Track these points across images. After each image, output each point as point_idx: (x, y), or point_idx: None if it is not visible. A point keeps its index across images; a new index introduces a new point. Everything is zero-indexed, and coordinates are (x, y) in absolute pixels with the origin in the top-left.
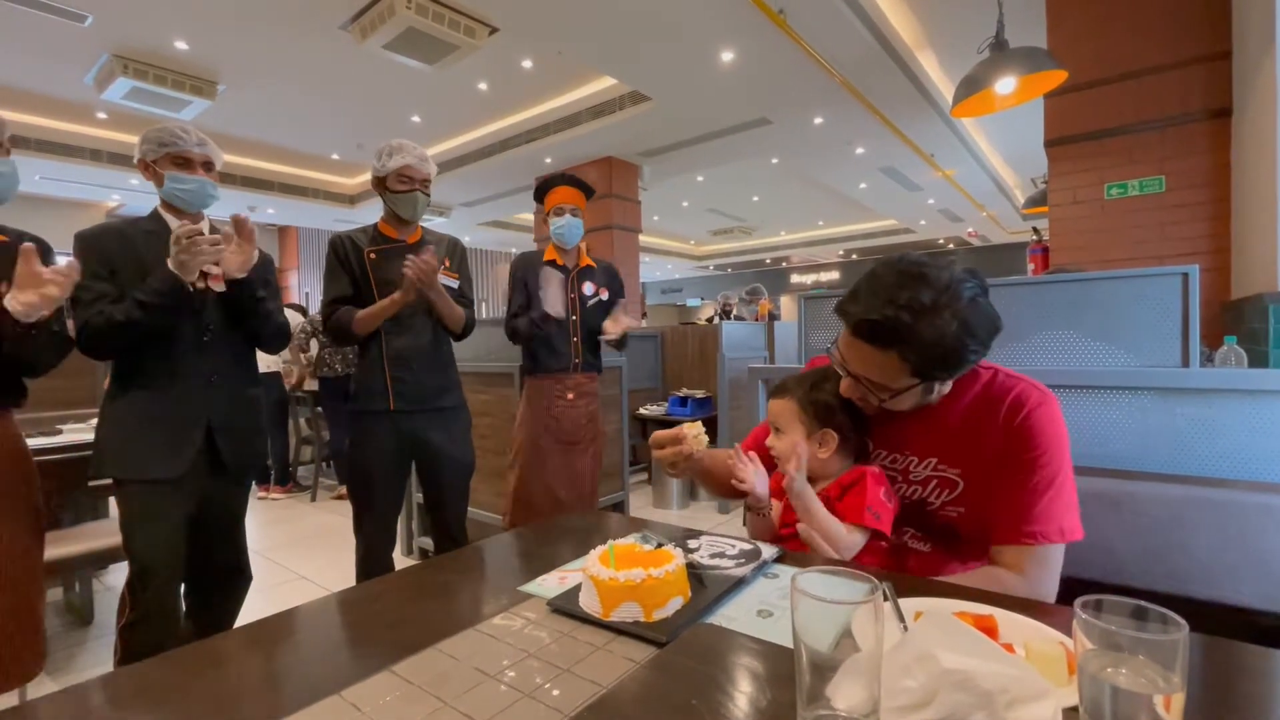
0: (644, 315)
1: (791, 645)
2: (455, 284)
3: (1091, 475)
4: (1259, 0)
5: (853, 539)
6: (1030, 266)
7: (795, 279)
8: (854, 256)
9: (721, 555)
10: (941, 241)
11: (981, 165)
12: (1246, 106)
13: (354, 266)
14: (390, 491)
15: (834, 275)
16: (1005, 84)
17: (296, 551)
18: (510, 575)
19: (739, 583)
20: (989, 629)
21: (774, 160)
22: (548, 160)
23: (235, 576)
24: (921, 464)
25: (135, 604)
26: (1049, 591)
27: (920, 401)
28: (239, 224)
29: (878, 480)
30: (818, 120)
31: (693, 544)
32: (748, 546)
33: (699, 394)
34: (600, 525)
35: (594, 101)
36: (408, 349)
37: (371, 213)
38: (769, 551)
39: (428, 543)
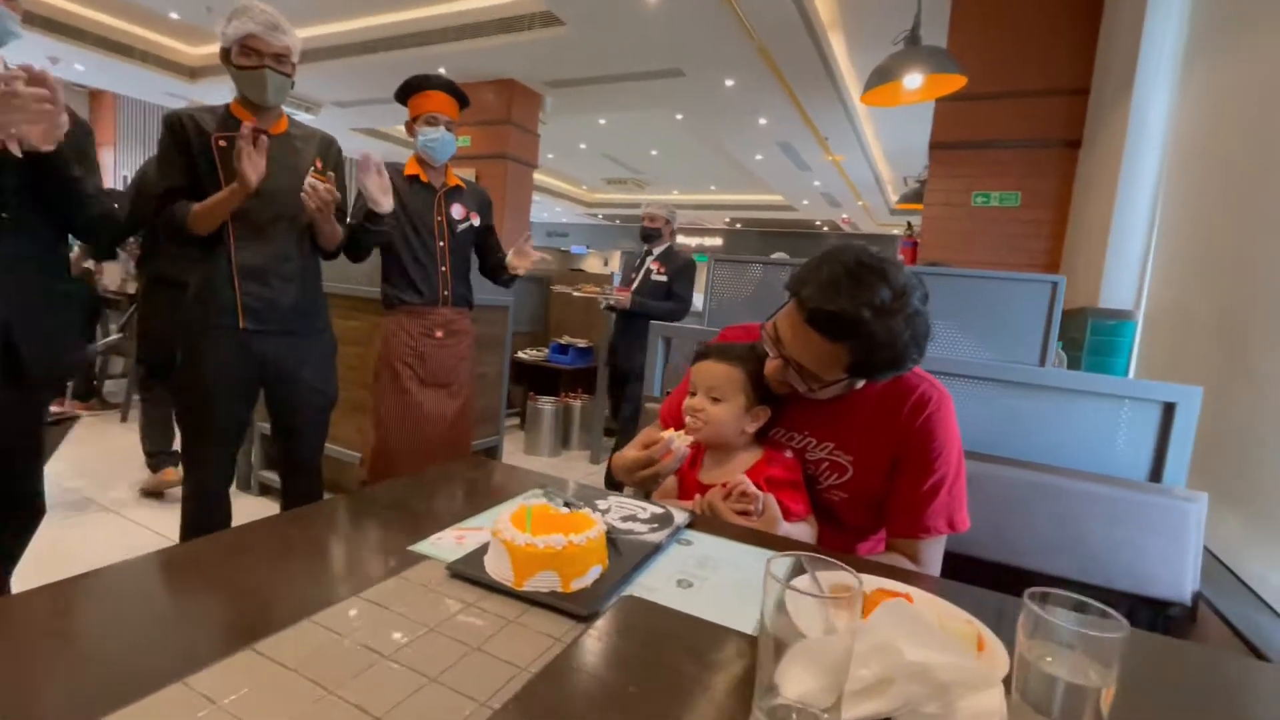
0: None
1: (712, 619)
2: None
3: None
4: (1120, 45)
5: (810, 532)
6: (900, 259)
7: (680, 240)
8: (738, 226)
9: (633, 519)
10: (818, 223)
11: (866, 156)
12: (1096, 141)
13: (196, 153)
14: (233, 419)
15: (717, 241)
16: (913, 79)
17: (100, 479)
18: (395, 532)
19: (655, 549)
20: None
21: (679, 116)
22: (441, 70)
23: (24, 509)
24: (819, 446)
25: None
26: (936, 572)
27: (839, 394)
28: (38, 79)
29: (796, 468)
30: (729, 82)
31: (601, 505)
32: (659, 510)
33: (581, 343)
34: (486, 476)
35: (502, 14)
36: (265, 261)
37: (216, 91)
38: (680, 516)
39: (271, 477)
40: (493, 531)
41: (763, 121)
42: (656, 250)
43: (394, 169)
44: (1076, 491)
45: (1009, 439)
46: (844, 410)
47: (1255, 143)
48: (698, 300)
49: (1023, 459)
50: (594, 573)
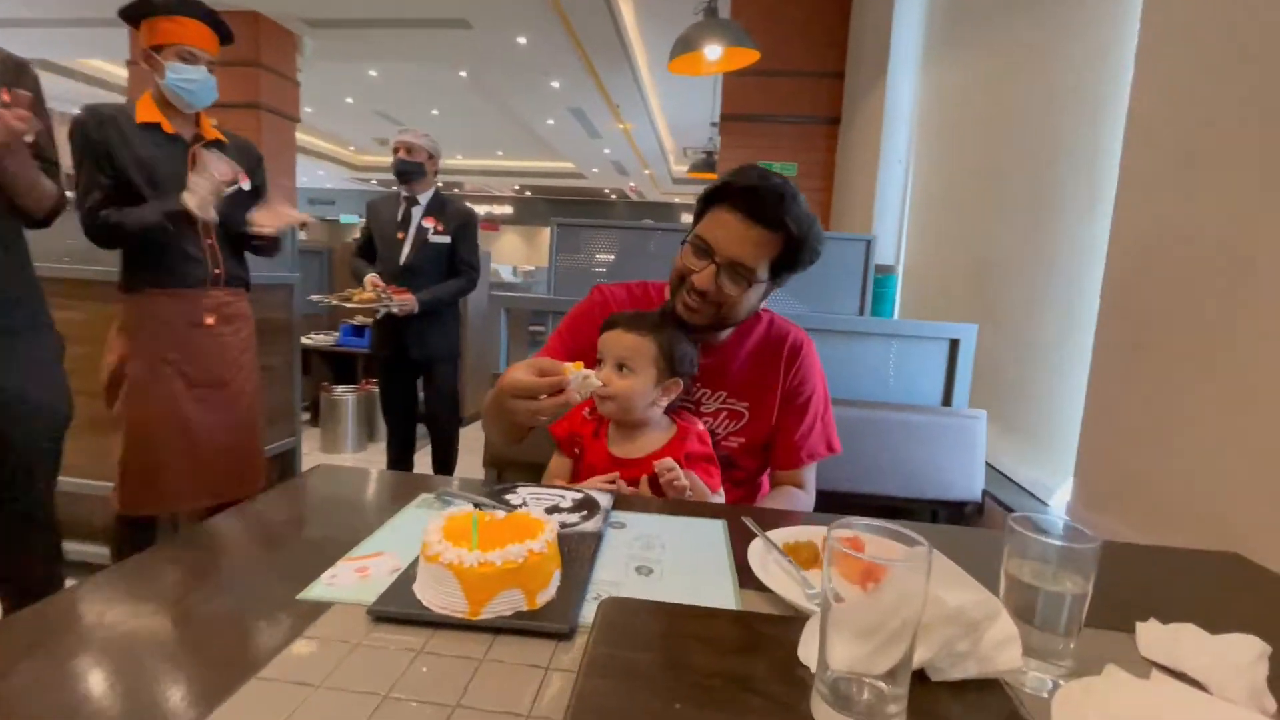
0: (304, 225)
1: (692, 601)
2: (30, 135)
3: None
4: (871, 37)
5: (722, 499)
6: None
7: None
8: (528, 193)
9: (557, 509)
10: (607, 191)
11: (652, 126)
12: (854, 121)
13: None
14: None
15: (507, 209)
16: (713, 50)
17: None
18: (267, 582)
19: (599, 540)
20: (859, 548)
21: (463, 73)
22: None
23: None
24: (713, 397)
25: None
26: (814, 491)
27: (751, 309)
28: None
29: (708, 439)
30: (521, 40)
31: (512, 499)
32: (578, 495)
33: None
34: (341, 488)
35: None
36: None
37: None
38: (604, 499)
39: None
40: (425, 556)
41: (555, 85)
42: (423, 197)
43: (120, 111)
44: (893, 421)
45: (837, 381)
46: (729, 360)
47: (983, 122)
48: (499, 270)
49: (846, 398)
50: (555, 580)
